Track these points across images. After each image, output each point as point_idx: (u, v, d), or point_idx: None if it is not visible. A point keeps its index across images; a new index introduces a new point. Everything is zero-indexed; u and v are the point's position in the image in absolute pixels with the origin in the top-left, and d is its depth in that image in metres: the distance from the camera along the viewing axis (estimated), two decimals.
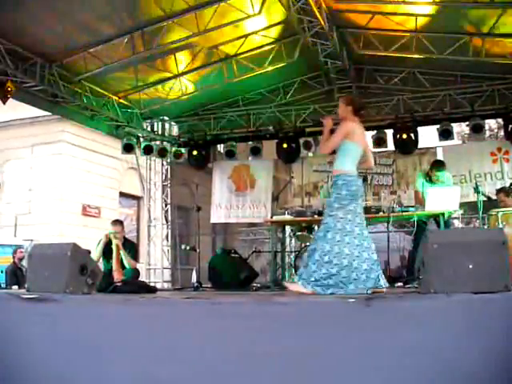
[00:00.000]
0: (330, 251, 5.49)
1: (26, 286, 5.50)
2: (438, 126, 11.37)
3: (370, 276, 5.44)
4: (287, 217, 8.44)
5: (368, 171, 12.28)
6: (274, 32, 10.22)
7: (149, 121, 12.92)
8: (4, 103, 9.08)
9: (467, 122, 11.88)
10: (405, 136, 11.44)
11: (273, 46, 10.50)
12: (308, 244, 9.45)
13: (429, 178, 8.19)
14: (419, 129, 11.56)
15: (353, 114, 5.92)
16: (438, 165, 8.28)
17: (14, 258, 11.20)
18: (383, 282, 5.48)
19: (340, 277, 5.42)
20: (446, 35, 9.46)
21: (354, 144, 5.79)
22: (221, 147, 13.82)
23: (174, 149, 13.16)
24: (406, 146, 11.67)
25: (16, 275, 10.68)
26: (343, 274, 5.42)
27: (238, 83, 11.37)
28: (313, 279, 5.47)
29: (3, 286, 10.34)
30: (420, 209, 7.67)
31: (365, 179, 11.87)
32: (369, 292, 5.08)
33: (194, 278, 9.38)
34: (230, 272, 8.87)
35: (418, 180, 8.44)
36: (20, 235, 15.37)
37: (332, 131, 5.94)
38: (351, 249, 5.50)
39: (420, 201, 8.00)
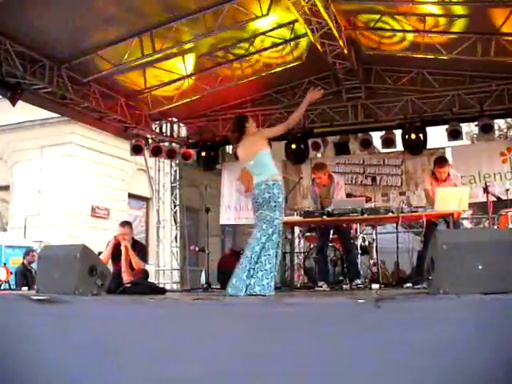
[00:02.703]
0: None
1: (35, 287, 5.53)
2: (446, 126, 11.33)
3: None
4: (296, 217, 8.42)
5: (377, 172, 12.27)
6: (283, 33, 10.23)
7: (157, 122, 12.94)
8: (13, 105, 9.13)
9: (476, 122, 11.86)
10: (413, 136, 11.42)
11: (281, 46, 10.50)
12: (316, 244, 9.45)
13: (435, 177, 8.17)
14: (428, 129, 11.52)
15: None
16: (440, 162, 8.25)
17: (24, 259, 11.20)
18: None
19: None
20: (454, 35, 9.44)
21: None
22: (229, 148, 13.80)
23: (182, 150, 13.17)
24: (415, 147, 11.65)
25: (26, 276, 10.70)
26: None
27: (246, 84, 11.38)
28: None
29: (13, 287, 10.38)
30: (429, 209, 7.63)
31: (373, 180, 11.91)
32: None
33: (203, 279, 9.39)
34: None
35: (427, 178, 8.40)
36: (29, 237, 15.40)
37: None
38: None
39: (431, 199, 7.96)
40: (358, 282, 7.81)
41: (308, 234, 9.85)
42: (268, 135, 6.10)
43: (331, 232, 8.66)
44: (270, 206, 5.74)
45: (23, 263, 11.13)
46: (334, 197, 8.25)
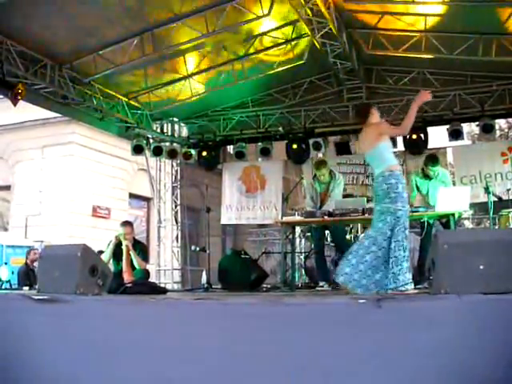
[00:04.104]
0: None
1: (36, 286, 5.53)
2: (447, 126, 11.33)
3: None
4: (297, 218, 8.43)
5: None
6: (284, 33, 10.22)
7: (158, 122, 12.93)
8: (15, 105, 9.12)
9: (477, 122, 11.83)
10: (415, 136, 11.39)
11: (282, 46, 10.50)
12: (313, 246, 9.46)
13: (423, 175, 8.28)
14: (429, 129, 11.51)
15: None
16: (432, 160, 8.32)
17: (26, 258, 11.17)
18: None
19: None
20: (455, 35, 9.43)
21: None
22: (230, 148, 13.82)
23: (183, 150, 13.17)
24: (416, 147, 11.62)
25: (28, 276, 10.67)
26: None
27: (247, 84, 11.38)
28: None
29: (15, 286, 10.37)
30: (430, 209, 7.64)
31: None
32: None
33: (203, 279, 9.37)
34: (240, 273, 8.85)
35: (412, 181, 8.54)
36: (30, 236, 15.41)
37: None
38: None
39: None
40: None
41: (309, 233, 9.86)
42: (384, 133, 5.81)
43: (326, 232, 8.68)
44: (390, 197, 5.57)
45: (26, 263, 11.10)
46: (331, 195, 8.30)
